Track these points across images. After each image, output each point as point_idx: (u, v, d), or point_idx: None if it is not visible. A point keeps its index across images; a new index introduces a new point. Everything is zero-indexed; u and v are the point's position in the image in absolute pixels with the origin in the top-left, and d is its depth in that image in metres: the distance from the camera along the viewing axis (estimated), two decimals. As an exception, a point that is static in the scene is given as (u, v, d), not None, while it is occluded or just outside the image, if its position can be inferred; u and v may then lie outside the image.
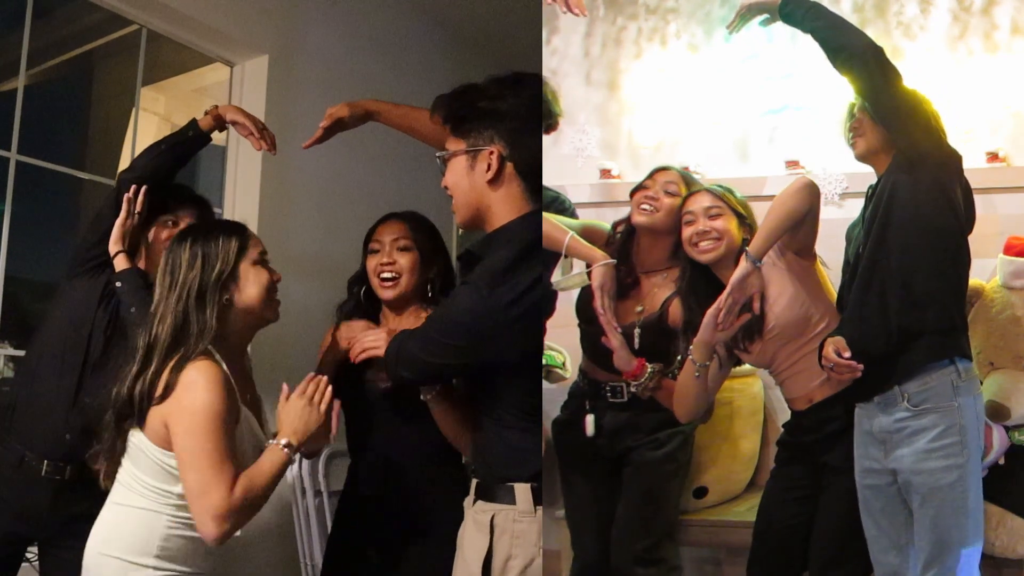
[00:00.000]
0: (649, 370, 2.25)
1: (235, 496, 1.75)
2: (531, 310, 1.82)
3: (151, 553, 1.82)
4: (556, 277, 2.35)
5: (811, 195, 2.12)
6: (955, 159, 2.06)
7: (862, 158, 2.15)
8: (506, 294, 1.79)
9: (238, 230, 1.99)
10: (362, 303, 2.28)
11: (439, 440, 2.10)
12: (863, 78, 2.05)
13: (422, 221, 2.29)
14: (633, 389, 2.28)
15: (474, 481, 1.94)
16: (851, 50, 2.04)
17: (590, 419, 2.44)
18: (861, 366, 2.01)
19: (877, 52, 2.04)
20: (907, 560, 2.01)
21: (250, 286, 1.93)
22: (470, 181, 1.88)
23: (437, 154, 1.95)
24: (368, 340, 2.07)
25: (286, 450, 1.83)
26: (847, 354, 2.02)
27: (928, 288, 1.97)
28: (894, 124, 2.06)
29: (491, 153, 1.86)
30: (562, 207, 2.51)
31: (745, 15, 2.20)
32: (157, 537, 1.83)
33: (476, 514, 1.90)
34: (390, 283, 2.20)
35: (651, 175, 2.41)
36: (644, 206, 2.35)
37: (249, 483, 1.78)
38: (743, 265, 2.13)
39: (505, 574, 1.84)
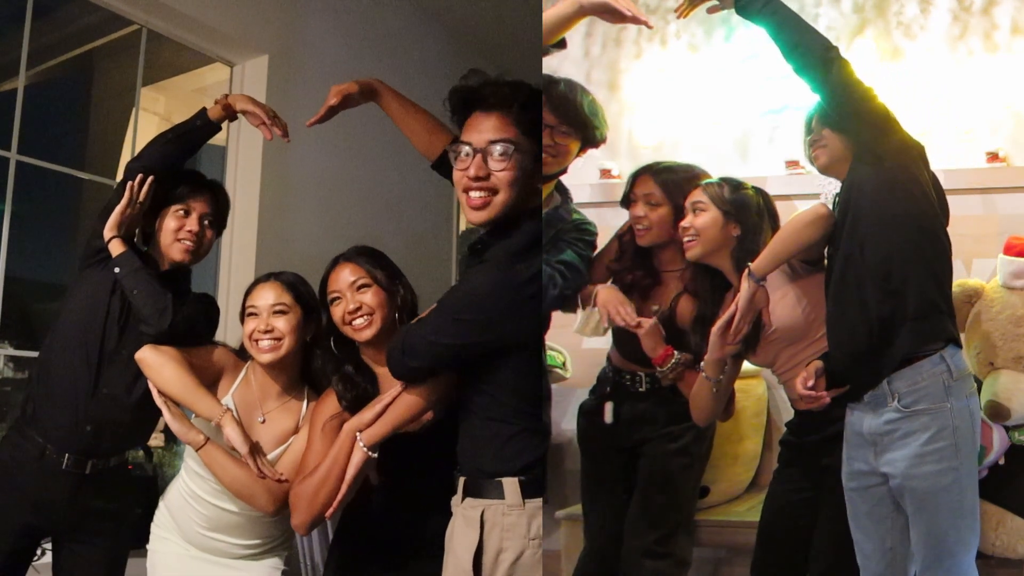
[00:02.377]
0: (674, 359, 2.26)
1: None
2: (539, 295, 1.84)
3: None
4: (576, 326, 2.40)
5: (825, 226, 2.10)
6: (918, 148, 2.04)
7: (825, 170, 2.14)
8: (524, 271, 1.80)
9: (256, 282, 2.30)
10: (336, 355, 2.17)
11: (443, 460, 2.09)
12: (820, 76, 2.03)
13: (371, 255, 2.20)
14: (657, 375, 2.30)
15: (461, 479, 1.94)
16: (807, 48, 2.03)
17: (609, 407, 2.46)
18: (826, 397, 2.02)
19: (832, 50, 2.03)
20: (892, 564, 1.99)
21: None
22: (526, 184, 1.85)
23: (512, 144, 1.81)
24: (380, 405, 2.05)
25: None
26: (811, 383, 2.03)
27: (904, 275, 1.95)
28: (853, 121, 2.04)
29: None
30: (585, 231, 2.50)
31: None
32: None
33: (465, 510, 1.89)
34: (365, 323, 2.12)
35: (631, 185, 2.41)
36: (638, 226, 2.37)
37: None
38: (746, 285, 2.10)
39: (496, 567, 1.83)
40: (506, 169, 1.80)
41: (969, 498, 1.92)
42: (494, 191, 1.81)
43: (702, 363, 2.18)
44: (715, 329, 2.13)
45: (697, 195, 2.25)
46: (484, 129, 1.82)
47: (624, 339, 2.35)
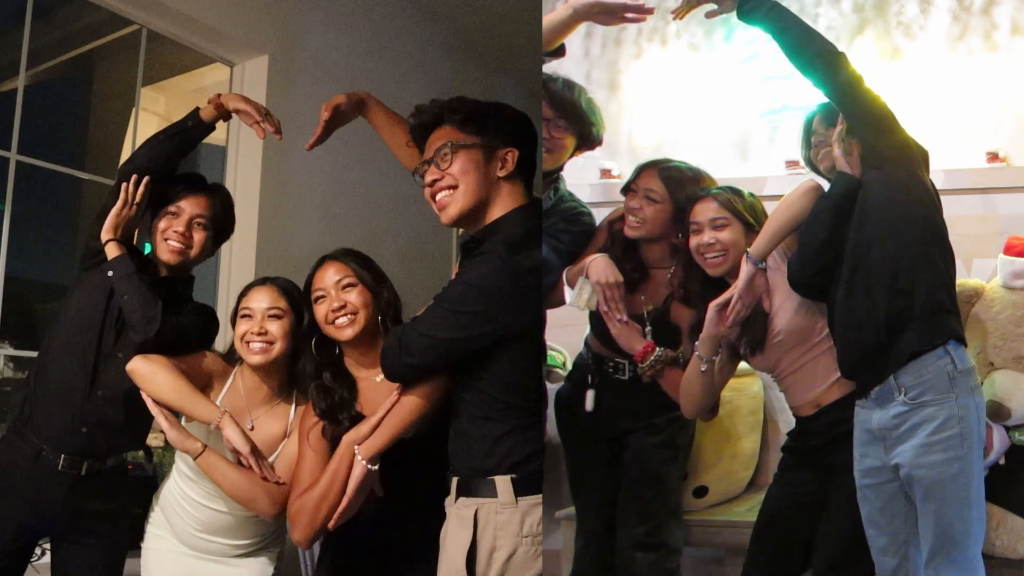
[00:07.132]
0: (655, 354, 2.26)
1: None
2: (539, 285, 1.87)
3: None
4: (569, 298, 2.38)
5: (815, 198, 2.12)
6: (921, 151, 2.07)
7: (831, 172, 2.14)
8: (524, 261, 1.84)
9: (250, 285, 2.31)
10: (316, 359, 2.16)
11: (432, 463, 2.08)
12: (830, 82, 2.06)
13: (358, 255, 2.21)
14: (638, 371, 2.29)
15: (454, 479, 1.94)
16: (815, 54, 2.06)
17: (590, 394, 2.46)
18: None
19: (840, 55, 2.05)
20: (907, 558, 2.01)
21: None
22: (484, 174, 1.92)
23: (449, 142, 1.93)
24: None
25: None
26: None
27: (912, 275, 1.97)
28: (863, 124, 2.06)
29: (508, 152, 1.92)
30: (573, 220, 2.49)
31: (692, 1, 2.18)
32: None
33: (459, 510, 1.91)
34: (347, 322, 2.11)
35: (635, 176, 2.41)
36: (631, 217, 2.37)
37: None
38: (746, 268, 2.13)
39: (490, 566, 1.84)
40: (453, 163, 1.91)
41: (975, 489, 1.93)
42: (453, 187, 1.92)
43: (697, 342, 2.18)
44: (713, 305, 2.15)
45: (712, 210, 2.23)
46: (431, 143, 1.97)
47: (604, 325, 2.34)
